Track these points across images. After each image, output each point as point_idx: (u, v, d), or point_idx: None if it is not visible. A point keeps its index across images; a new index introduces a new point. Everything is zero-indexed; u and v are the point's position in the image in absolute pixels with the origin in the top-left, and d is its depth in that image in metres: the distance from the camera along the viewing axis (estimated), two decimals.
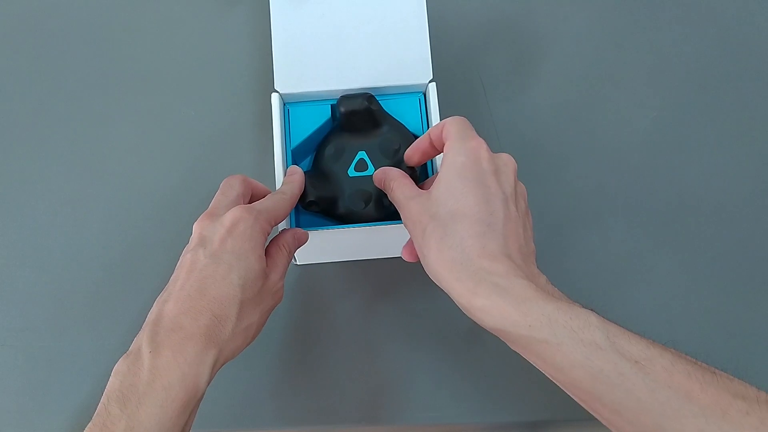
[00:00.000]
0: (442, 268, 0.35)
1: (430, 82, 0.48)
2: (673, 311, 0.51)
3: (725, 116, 0.57)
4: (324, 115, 0.49)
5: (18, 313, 0.50)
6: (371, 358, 0.49)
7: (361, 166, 0.47)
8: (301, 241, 0.43)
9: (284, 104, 0.49)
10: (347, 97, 0.47)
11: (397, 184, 0.41)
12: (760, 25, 0.60)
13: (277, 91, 0.48)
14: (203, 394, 0.34)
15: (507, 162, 0.39)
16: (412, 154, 0.44)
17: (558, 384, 0.33)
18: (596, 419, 0.32)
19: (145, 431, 0.32)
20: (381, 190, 0.44)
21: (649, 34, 0.60)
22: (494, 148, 0.39)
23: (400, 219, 0.40)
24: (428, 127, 0.49)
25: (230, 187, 0.41)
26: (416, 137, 0.45)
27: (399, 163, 0.45)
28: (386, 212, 0.46)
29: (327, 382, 0.48)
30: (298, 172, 0.44)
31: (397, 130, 0.47)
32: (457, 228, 0.35)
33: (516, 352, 0.34)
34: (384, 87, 0.49)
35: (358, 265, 0.52)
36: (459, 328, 0.50)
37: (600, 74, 0.58)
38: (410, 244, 0.41)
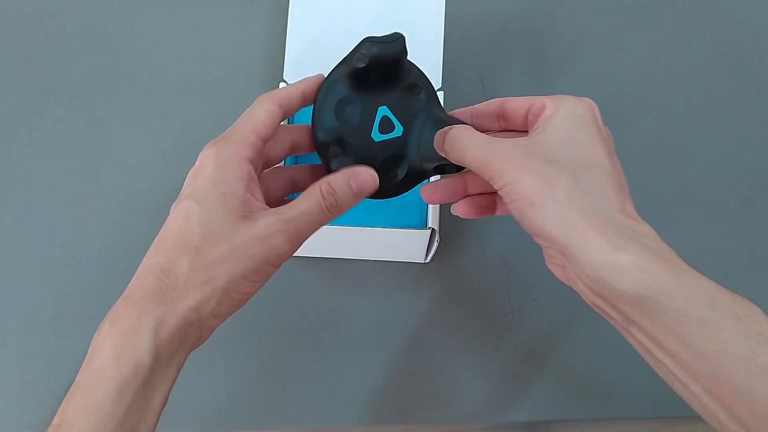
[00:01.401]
0: (576, 216, 0.29)
1: (438, 90, 0.48)
2: None
3: (725, 116, 0.57)
4: None
5: (18, 313, 0.50)
6: (371, 357, 0.49)
7: (387, 126, 0.38)
8: (363, 190, 0.33)
9: None
10: (377, 42, 0.36)
11: (467, 131, 0.34)
12: (760, 25, 0.60)
13: (285, 81, 0.48)
14: (159, 367, 0.29)
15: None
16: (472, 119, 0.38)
17: (672, 371, 0.28)
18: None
19: (71, 426, 0.27)
20: (416, 150, 0.37)
21: (649, 34, 0.60)
22: None
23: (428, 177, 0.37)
24: None
25: (247, 119, 0.34)
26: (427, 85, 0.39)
27: (429, 117, 0.38)
28: (424, 175, 0.39)
29: (327, 382, 0.48)
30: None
31: (415, 72, 0.39)
32: (594, 176, 0.30)
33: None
34: None
35: (360, 263, 0.52)
36: (459, 327, 0.50)
37: (599, 74, 0.58)
38: (470, 201, 0.37)
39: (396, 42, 0.36)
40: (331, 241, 0.49)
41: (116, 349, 0.28)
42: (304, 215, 0.31)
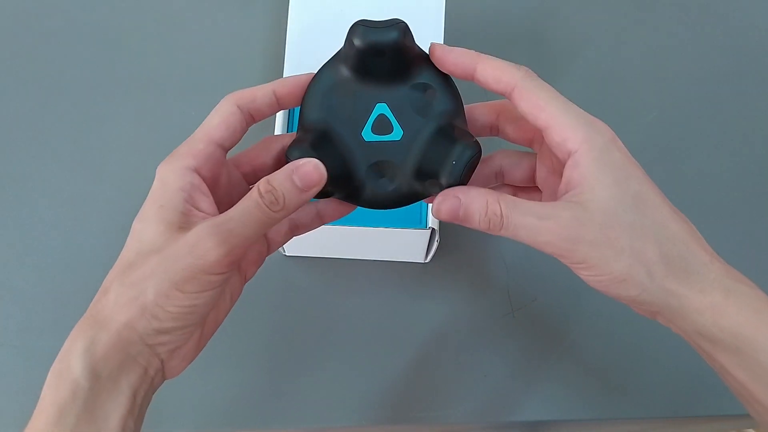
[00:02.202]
0: (674, 283, 0.30)
1: None
2: None
3: (725, 116, 0.57)
4: None
5: (18, 313, 0.50)
6: (371, 357, 0.49)
7: (383, 126, 0.32)
8: (309, 184, 0.30)
9: None
10: (370, 27, 0.32)
11: (512, 207, 0.30)
12: (760, 25, 0.60)
13: None
14: (102, 387, 0.28)
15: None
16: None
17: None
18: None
19: None
20: (417, 161, 0.32)
21: (649, 34, 0.60)
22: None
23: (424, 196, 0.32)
24: None
25: (201, 125, 0.32)
26: (456, 98, 0.34)
27: (440, 127, 0.32)
28: (421, 194, 0.33)
29: (327, 382, 0.48)
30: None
31: (432, 72, 0.33)
32: (670, 231, 0.31)
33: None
34: None
35: (360, 263, 0.52)
36: (459, 327, 0.50)
37: (600, 74, 0.58)
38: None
39: (394, 26, 0.31)
40: (330, 241, 0.49)
41: (53, 374, 0.29)
42: (237, 217, 0.29)
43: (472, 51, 0.33)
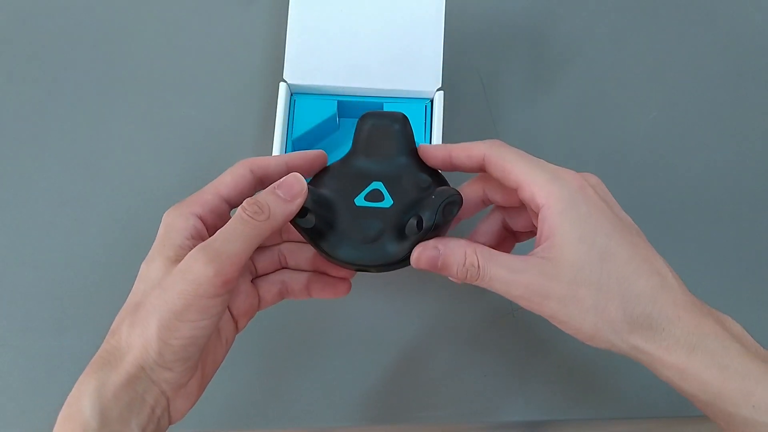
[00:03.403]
0: (639, 339, 0.31)
1: (437, 90, 0.48)
2: None
3: (725, 116, 0.57)
4: (329, 109, 0.49)
5: (18, 313, 0.50)
6: (371, 357, 0.49)
7: (375, 196, 0.36)
8: (291, 192, 0.31)
9: (291, 95, 0.50)
10: (375, 115, 0.37)
11: (488, 258, 0.32)
12: (760, 25, 0.60)
13: (285, 81, 0.48)
14: (110, 428, 0.29)
15: (597, 181, 0.34)
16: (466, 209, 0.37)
17: None
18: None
19: None
20: (400, 226, 0.34)
21: (649, 33, 0.60)
22: None
23: (408, 263, 0.34)
24: (431, 135, 0.49)
25: (214, 180, 0.35)
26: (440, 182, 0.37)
27: (427, 192, 0.35)
28: (401, 256, 0.35)
29: (327, 382, 0.48)
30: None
31: (427, 171, 0.37)
32: (639, 286, 0.31)
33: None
34: (391, 90, 0.49)
35: None
36: (459, 327, 0.50)
37: (600, 74, 0.58)
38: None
39: (392, 117, 0.36)
40: None
41: (63, 417, 0.29)
42: (223, 235, 0.30)
43: (447, 144, 0.36)
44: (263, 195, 0.31)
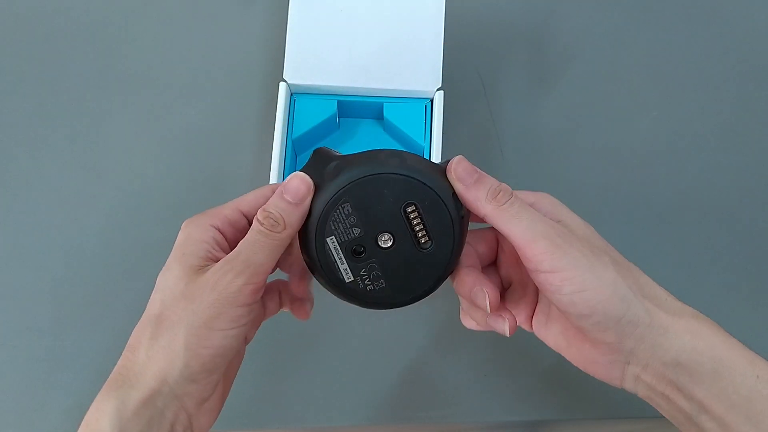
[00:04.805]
0: (647, 301, 0.31)
1: (437, 90, 0.48)
2: None
3: (725, 116, 0.57)
4: (329, 109, 0.49)
5: (18, 313, 0.50)
6: (371, 357, 0.49)
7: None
8: (299, 194, 0.31)
9: (291, 95, 0.50)
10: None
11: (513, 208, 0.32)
12: (760, 25, 0.60)
13: (285, 81, 0.48)
14: None
15: (551, 200, 0.35)
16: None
17: None
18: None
19: None
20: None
21: (649, 33, 0.60)
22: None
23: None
24: (431, 135, 0.49)
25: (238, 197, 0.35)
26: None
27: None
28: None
29: (327, 382, 0.48)
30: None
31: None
32: (626, 263, 0.33)
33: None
34: (391, 90, 0.49)
35: None
36: (458, 327, 0.50)
37: (600, 73, 0.58)
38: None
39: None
40: None
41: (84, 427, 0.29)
42: (247, 248, 0.31)
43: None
44: (274, 203, 0.31)
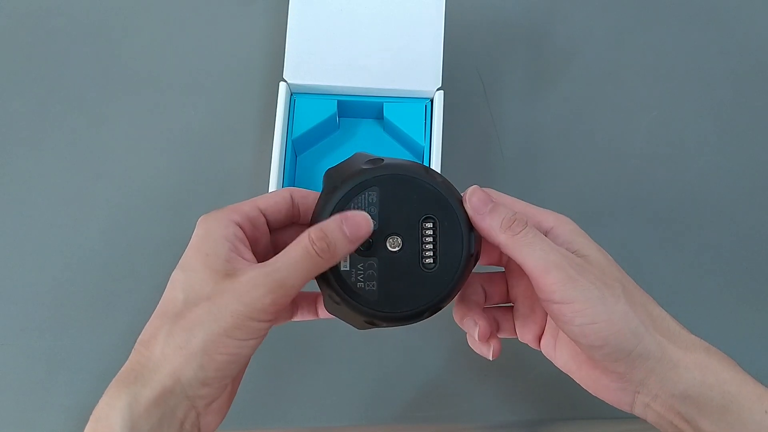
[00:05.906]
0: (658, 335, 0.32)
1: (437, 90, 0.48)
2: (673, 310, 0.51)
3: (725, 116, 0.57)
4: (329, 109, 0.49)
5: (18, 313, 0.50)
6: (371, 357, 0.49)
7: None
8: (358, 234, 0.31)
9: (291, 94, 0.50)
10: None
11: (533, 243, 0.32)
12: (760, 25, 0.60)
13: (285, 81, 0.48)
14: None
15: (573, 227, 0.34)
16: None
17: None
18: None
19: None
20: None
21: (649, 33, 0.60)
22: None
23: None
24: (431, 135, 0.49)
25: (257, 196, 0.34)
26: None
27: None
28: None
29: (327, 381, 0.48)
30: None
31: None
32: (638, 292, 0.33)
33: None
34: (391, 89, 0.49)
35: None
36: (458, 327, 0.50)
37: (600, 73, 0.58)
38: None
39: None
40: None
41: (93, 426, 0.29)
42: (287, 265, 0.30)
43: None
44: (332, 229, 0.31)
